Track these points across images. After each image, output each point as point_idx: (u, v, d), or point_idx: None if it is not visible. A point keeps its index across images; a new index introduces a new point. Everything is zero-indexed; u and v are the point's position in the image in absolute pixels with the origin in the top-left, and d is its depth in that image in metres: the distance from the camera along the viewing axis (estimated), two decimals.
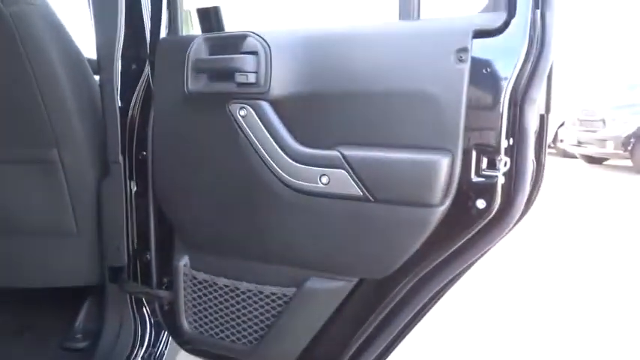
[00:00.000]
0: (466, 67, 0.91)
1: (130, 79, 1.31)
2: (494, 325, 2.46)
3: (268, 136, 1.06)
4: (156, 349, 1.46)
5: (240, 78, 1.06)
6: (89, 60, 1.40)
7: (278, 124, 1.06)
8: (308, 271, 1.09)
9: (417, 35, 0.97)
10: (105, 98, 1.32)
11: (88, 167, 1.35)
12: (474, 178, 0.94)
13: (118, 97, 1.32)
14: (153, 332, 1.46)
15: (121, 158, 1.33)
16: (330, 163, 1.02)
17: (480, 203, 0.93)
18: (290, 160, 1.05)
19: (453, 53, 0.92)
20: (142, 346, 1.44)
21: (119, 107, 1.32)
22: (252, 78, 1.06)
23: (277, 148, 1.06)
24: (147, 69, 1.31)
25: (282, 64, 1.05)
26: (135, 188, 1.35)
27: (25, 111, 1.29)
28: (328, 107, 1.03)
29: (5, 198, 1.37)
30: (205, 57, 1.12)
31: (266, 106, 1.07)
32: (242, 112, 1.08)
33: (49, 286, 1.44)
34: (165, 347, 1.48)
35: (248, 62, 1.05)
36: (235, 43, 1.08)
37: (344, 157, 1.01)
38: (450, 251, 0.98)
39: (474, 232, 0.95)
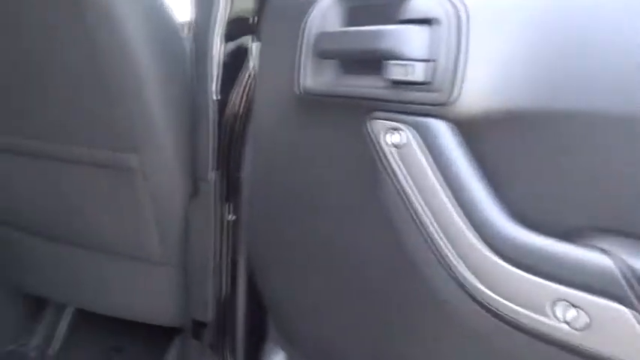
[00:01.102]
0: None
1: (233, 63, 0.90)
2: None
3: (447, 192, 0.52)
4: None
5: (394, 71, 0.53)
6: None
7: (469, 172, 0.52)
8: None
9: None
10: (197, 88, 0.93)
11: (176, 180, 1.00)
12: None
13: (215, 88, 0.90)
14: None
15: (213, 175, 0.91)
16: (588, 279, 0.44)
17: None
18: (488, 253, 0.50)
19: None
20: None
21: (214, 102, 0.90)
22: (419, 72, 0.52)
23: (464, 220, 0.51)
24: (255, 50, 0.88)
25: (491, 48, 0.49)
26: (231, 217, 0.93)
27: (91, 100, 0.95)
28: (587, 144, 0.45)
29: (81, 206, 1.10)
30: (333, 30, 0.61)
31: (446, 132, 0.52)
32: (394, 138, 0.56)
33: (125, 318, 1.18)
34: None
35: (411, 40, 0.53)
36: (393, 4, 0.55)
37: (631, 271, 0.42)
38: None
39: None
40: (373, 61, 0.56)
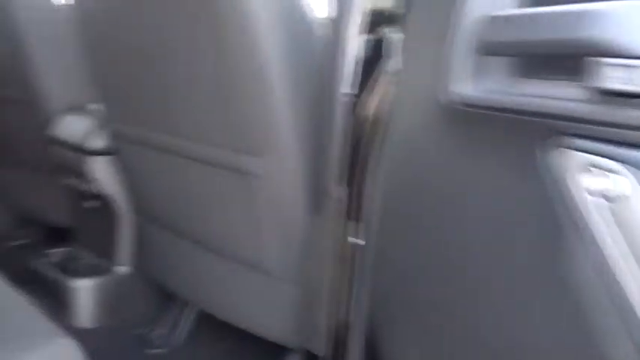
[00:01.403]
0: None
1: (369, 62, 0.76)
2: None
3: None
4: None
5: (608, 75, 0.34)
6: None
7: None
8: None
9: None
10: (328, 90, 0.79)
11: (299, 192, 0.89)
12: None
13: (347, 89, 0.77)
14: None
15: (338, 190, 0.79)
16: None
17: None
18: None
19: None
20: None
21: (344, 105, 0.77)
22: None
23: None
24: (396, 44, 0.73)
25: None
26: (356, 241, 0.80)
27: (218, 100, 0.89)
28: None
29: (204, 206, 1.07)
30: (506, 13, 0.42)
31: None
32: (601, 183, 0.36)
33: (239, 327, 1.12)
34: None
35: None
36: None
37: None
38: None
39: None
40: (569, 60, 0.36)
